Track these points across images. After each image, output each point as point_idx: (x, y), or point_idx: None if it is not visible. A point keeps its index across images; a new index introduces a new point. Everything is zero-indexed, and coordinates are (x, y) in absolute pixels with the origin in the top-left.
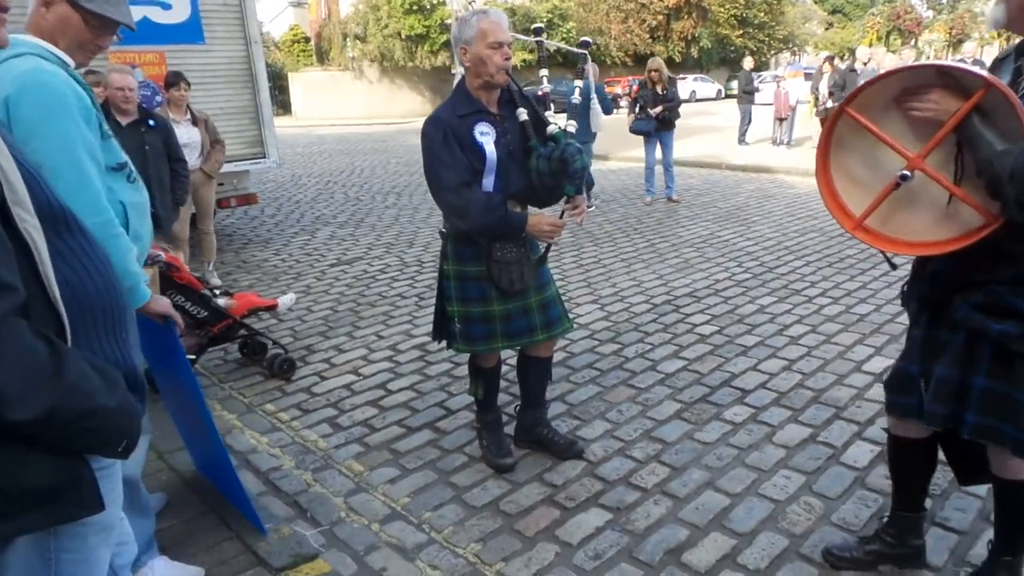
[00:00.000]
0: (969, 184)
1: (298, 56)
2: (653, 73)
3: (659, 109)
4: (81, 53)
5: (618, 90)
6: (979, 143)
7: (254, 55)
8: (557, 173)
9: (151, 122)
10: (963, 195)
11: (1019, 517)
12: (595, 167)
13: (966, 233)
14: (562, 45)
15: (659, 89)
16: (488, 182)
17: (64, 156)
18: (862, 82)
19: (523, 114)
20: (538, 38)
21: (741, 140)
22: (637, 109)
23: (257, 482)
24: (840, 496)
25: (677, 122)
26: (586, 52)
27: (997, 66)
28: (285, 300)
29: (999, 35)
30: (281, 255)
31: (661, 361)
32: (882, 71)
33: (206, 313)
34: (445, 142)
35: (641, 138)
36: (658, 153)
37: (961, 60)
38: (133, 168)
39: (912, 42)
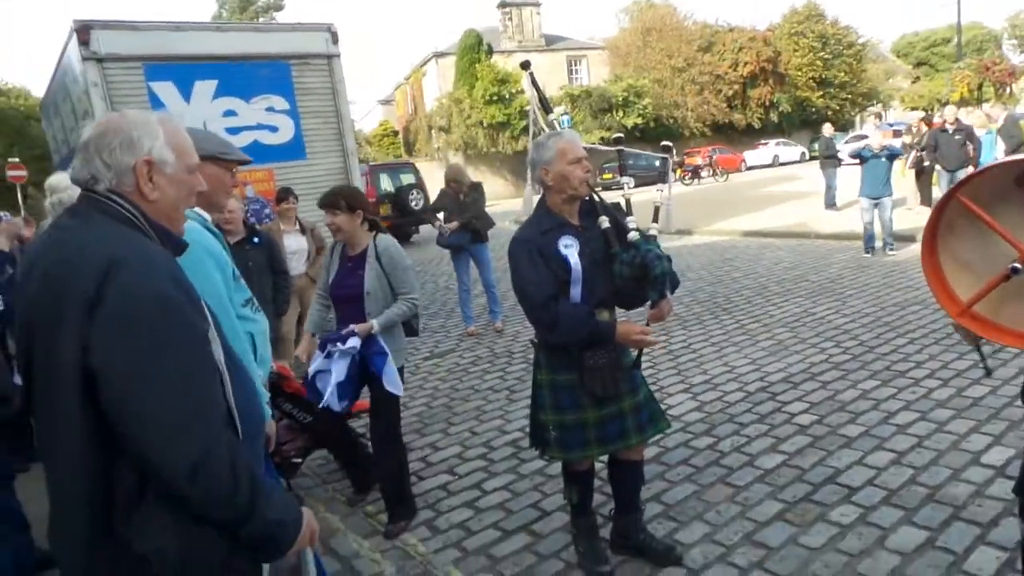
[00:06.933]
0: None
1: (388, 148)
2: (453, 184)
3: (454, 225)
4: (225, 196)
5: (698, 160)
6: None
7: (351, 166)
8: (639, 279)
9: (255, 239)
10: None
11: None
12: (679, 242)
13: None
14: (642, 152)
15: (461, 196)
16: (575, 292)
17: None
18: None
19: (604, 222)
20: (619, 147)
21: (830, 205)
22: (441, 219)
23: None
24: None
25: (755, 192)
26: (667, 157)
27: None
28: None
29: None
30: None
31: (759, 455)
32: (977, 128)
33: (311, 418)
34: (530, 259)
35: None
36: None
37: None
38: (254, 298)
39: (1008, 91)
